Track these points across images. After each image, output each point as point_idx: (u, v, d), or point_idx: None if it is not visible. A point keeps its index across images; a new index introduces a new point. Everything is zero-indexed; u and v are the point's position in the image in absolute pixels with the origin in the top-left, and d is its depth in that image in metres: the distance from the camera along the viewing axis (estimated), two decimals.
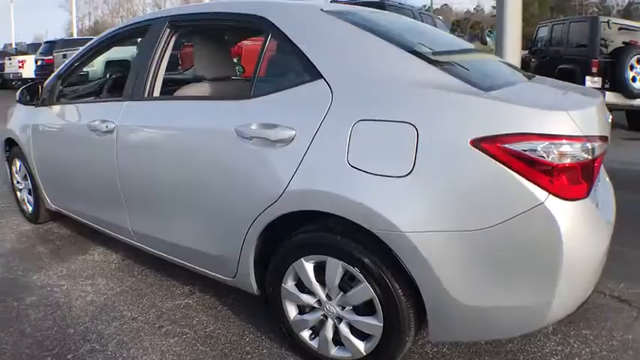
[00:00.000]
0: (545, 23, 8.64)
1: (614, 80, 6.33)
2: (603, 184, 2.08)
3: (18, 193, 3.39)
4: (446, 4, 63.86)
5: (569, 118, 1.35)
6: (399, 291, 1.50)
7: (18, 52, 18.60)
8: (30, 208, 3.28)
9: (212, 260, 1.99)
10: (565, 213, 1.32)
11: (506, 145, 1.32)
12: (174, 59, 3.93)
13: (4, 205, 3.71)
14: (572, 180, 1.35)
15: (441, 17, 10.67)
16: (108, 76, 3.16)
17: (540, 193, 1.31)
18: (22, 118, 3.06)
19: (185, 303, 2.29)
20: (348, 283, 1.61)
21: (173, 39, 2.25)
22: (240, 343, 1.96)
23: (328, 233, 1.60)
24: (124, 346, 1.95)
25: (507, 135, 1.32)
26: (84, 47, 2.77)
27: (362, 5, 8.35)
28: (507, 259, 1.36)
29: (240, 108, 1.81)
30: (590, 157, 1.37)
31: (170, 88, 2.47)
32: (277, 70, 1.91)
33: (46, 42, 16.13)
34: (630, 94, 6.30)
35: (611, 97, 6.39)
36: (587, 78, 6.40)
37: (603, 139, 1.49)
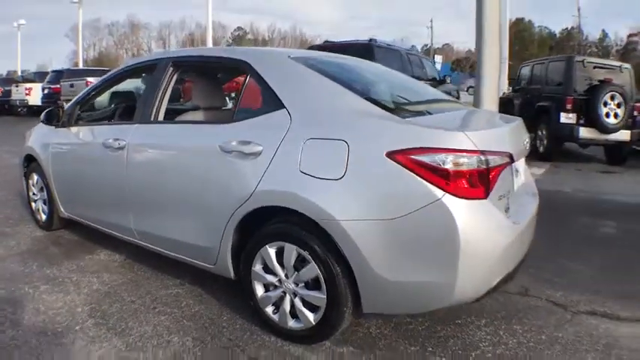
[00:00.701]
0: (527, 63, 9.24)
1: (588, 116, 6.79)
2: (528, 195, 2.51)
3: (33, 204, 3.84)
4: (447, 44, 65.86)
5: (465, 137, 1.80)
6: (338, 269, 1.91)
7: (24, 80, 19.20)
8: (44, 217, 3.72)
9: (199, 251, 2.42)
10: (460, 208, 1.74)
11: (412, 156, 1.77)
12: (177, 91, 4.45)
13: (18, 215, 4.14)
14: (467, 183, 1.78)
15: (428, 58, 11.25)
16: (114, 104, 3.68)
17: (438, 192, 1.74)
18: (42, 138, 3.56)
19: (176, 291, 2.70)
20: (300, 264, 2.03)
21: (175, 75, 2.78)
22: (219, 321, 2.36)
23: (286, 224, 2.05)
24: (124, 321, 2.35)
25: (413, 149, 1.78)
26: (101, 79, 3.31)
27: (350, 46, 8.96)
28: (416, 243, 1.79)
29: (224, 130, 2.31)
30: (484, 167, 1.80)
31: (172, 114, 2.97)
32: (252, 101, 2.42)
33: (53, 71, 16.78)
34: (605, 129, 6.75)
35: (586, 132, 6.85)
36: (562, 114, 6.88)
37: (505, 154, 1.95)
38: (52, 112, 3.38)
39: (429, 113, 2.19)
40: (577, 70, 7.01)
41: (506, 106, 9.34)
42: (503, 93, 10.25)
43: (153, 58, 2.96)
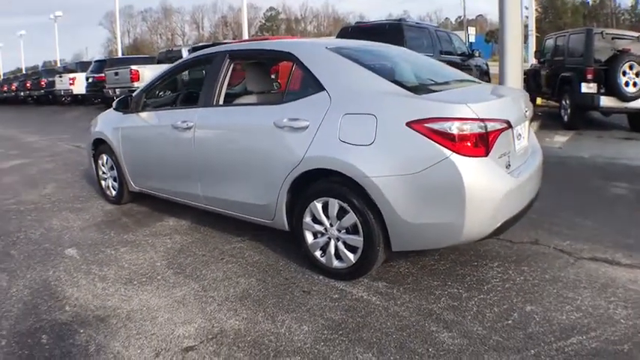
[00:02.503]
0: (551, 35, 9.33)
1: (608, 86, 6.97)
2: (532, 154, 2.93)
3: (103, 182, 4.44)
4: (481, 15, 64.18)
5: (467, 108, 2.25)
6: (371, 216, 2.40)
7: (67, 70, 20.02)
8: (114, 193, 4.33)
9: (259, 209, 2.94)
10: (464, 164, 2.20)
11: (426, 124, 2.24)
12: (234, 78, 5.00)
13: (86, 194, 4.77)
14: (469, 144, 2.23)
15: (456, 34, 11.38)
16: (177, 92, 4.19)
17: (447, 152, 2.21)
18: (112, 123, 4.14)
19: (239, 245, 3.24)
20: (341, 214, 2.52)
21: (232, 65, 3.28)
22: (276, 266, 2.89)
23: (329, 183, 2.54)
24: (197, 270, 2.91)
25: (427, 119, 2.24)
26: (164, 70, 3.84)
27: (381, 27, 9.25)
28: (431, 192, 2.26)
29: (276, 109, 2.81)
30: (483, 131, 2.25)
31: (230, 98, 3.48)
32: (298, 86, 2.91)
33: (97, 60, 17.50)
34: (624, 97, 6.91)
35: (607, 100, 7.02)
36: (583, 84, 7.06)
37: (503, 121, 2.38)
38: (123, 100, 3.94)
39: (443, 90, 2.64)
40: (596, 42, 7.14)
41: (534, 77, 9.50)
42: (531, 65, 10.36)
43: (211, 51, 3.49)
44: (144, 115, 3.81)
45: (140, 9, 70.96)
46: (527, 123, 2.90)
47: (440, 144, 2.21)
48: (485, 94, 2.81)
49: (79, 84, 17.13)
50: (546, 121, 8.39)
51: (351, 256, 2.55)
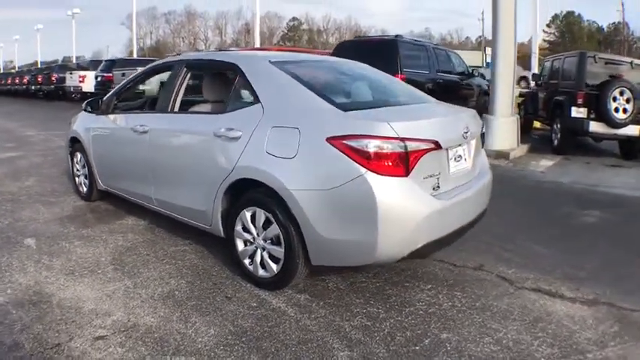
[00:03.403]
0: (548, 58, 9.27)
1: (598, 111, 6.89)
2: (476, 176, 2.90)
3: (76, 179, 4.59)
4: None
5: (388, 127, 2.25)
6: (292, 228, 2.44)
7: (79, 68, 20.34)
8: (85, 189, 4.47)
9: (199, 215, 3.02)
10: (379, 183, 2.21)
11: (344, 141, 2.26)
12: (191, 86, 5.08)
13: (64, 189, 4.91)
14: (387, 163, 2.23)
15: (456, 53, 11.33)
16: (143, 97, 4.32)
17: (361, 170, 2.22)
18: (85, 123, 4.29)
19: (183, 248, 3.32)
20: (267, 224, 2.58)
21: (188, 75, 3.39)
22: (211, 270, 2.96)
23: (256, 193, 2.60)
24: (136, 268, 2.99)
25: (345, 135, 2.27)
26: (132, 76, 3.97)
27: (376, 43, 9.32)
28: (345, 208, 2.28)
29: (217, 119, 2.90)
30: (402, 151, 2.25)
31: (187, 106, 3.58)
32: (239, 97, 2.98)
33: (107, 60, 17.78)
34: (613, 123, 6.82)
35: (596, 126, 6.94)
36: (573, 108, 6.99)
37: (429, 141, 2.37)
38: (92, 102, 4.08)
39: (377, 108, 2.66)
40: (589, 66, 7.08)
41: (532, 100, 9.43)
42: (531, 88, 10.29)
43: (171, 60, 3.62)
44: (112, 117, 3.94)
45: (164, 11, 71.89)
46: (472, 144, 2.88)
47: (356, 161, 2.23)
48: (420, 113, 2.78)
49: (88, 82, 17.38)
50: (538, 144, 8.32)
51: (274, 266, 2.60)
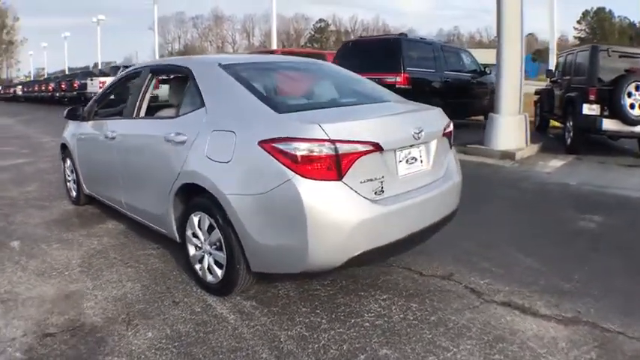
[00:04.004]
0: (562, 53, 8.84)
1: (612, 107, 6.51)
2: (434, 180, 2.73)
3: (67, 184, 4.73)
4: (531, 34, 62.23)
5: (319, 129, 2.17)
6: (232, 234, 2.40)
7: (101, 74, 20.86)
8: (74, 194, 4.59)
9: (157, 219, 3.05)
10: (307, 187, 2.12)
11: (273, 144, 2.19)
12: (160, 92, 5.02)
13: (58, 193, 5.04)
14: (316, 167, 2.14)
15: (468, 51, 11.03)
16: (117, 103, 4.40)
17: (289, 173, 2.14)
18: (72, 129, 4.42)
19: (150, 252, 3.35)
20: (211, 230, 2.55)
21: (153, 80, 3.42)
22: (169, 275, 2.97)
23: (201, 198, 2.58)
24: (101, 270, 3.05)
25: (275, 138, 2.20)
26: (109, 83, 4.05)
27: (379, 42, 9.19)
28: (276, 213, 2.22)
29: (169, 123, 2.91)
30: (333, 153, 2.16)
31: (153, 111, 3.61)
32: (190, 100, 2.94)
33: (124, 66, 18.28)
34: (628, 120, 6.41)
35: (609, 123, 6.55)
36: (585, 105, 6.62)
37: (368, 143, 2.27)
38: (72, 109, 4.19)
39: (321, 108, 2.58)
40: (601, 60, 6.69)
41: (547, 97, 9.04)
42: (546, 85, 9.88)
43: (139, 66, 3.67)
44: (91, 124, 4.04)
45: (192, 15, 73.26)
46: (432, 144, 2.74)
47: (284, 165, 2.16)
48: (364, 114, 2.64)
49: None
50: (552, 144, 7.93)
51: (219, 272, 2.58)
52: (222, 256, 2.51)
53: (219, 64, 2.84)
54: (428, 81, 8.68)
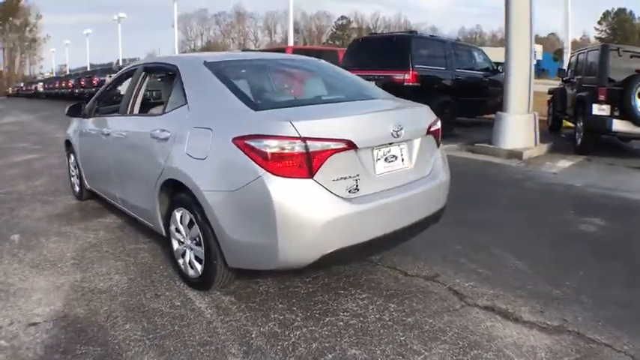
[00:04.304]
0: (574, 53, 8.65)
1: (622, 108, 6.34)
2: (429, 177, 2.74)
3: (72, 179, 4.87)
4: (553, 33, 61.04)
5: (290, 126, 2.18)
6: (209, 230, 2.44)
7: (119, 70, 21.67)
8: (77, 189, 4.73)
9: (146, 213, 3.13)
10: (276, 185, 2.14)
11: (246, 141, 2.22)
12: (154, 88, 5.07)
13: (64, 188, 5.18)
14: (286, 164, 2.16)
15: (480, 49, 10.86)
16: (116, 100, 4.48)
17: (260, 171, 2.17)
18: (75, 126, 4.55)
19: (141, 247, 3.43)
20: (191, 225, 2.60)
21: (146, 78, 3.50)
22: (156, 269, 3.04)
23: (182, 194, 2.63)
24: (92, 263, 3.14)
25: (248, 135, 2.23)
26: (109, 80, 4.14)
27: (388, 39, 9.16)
28: (247, 210, 2.25)
29: (156, 120, 2.98)
30: (303, 151, 2.17)
31: (147, 108, 3.69)
32: (175, 98, 2.99)
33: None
34: (639, 122, 6.28)
35: (620, 124, 6.38)
36: (595, 106, 6.46)
37: (341, 141, 2.27)
38: (72, 107, 4.30)
39: (300, 105, 2.60)
40: (612, 60, 6.52)
41: (560, 97, 8.88)
42: (559, 84, 9.69)
43: (135, 64, 3.76)
44: (92, 120, 4.15)
45: (214, 12, 73.60)
46: (415, 143, 2.71)
47: (256, 162, 2.19)
48: (335, 111, 2.61)
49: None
50: (562, 144, 7.77)
51: (198, 267, 2.63)
52: (201, 251, 2.56)
53: (205, 62, 2.88)
54: (438, 79, 8.62)
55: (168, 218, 2.84)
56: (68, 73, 39.62)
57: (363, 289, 2.73)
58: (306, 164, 2.19)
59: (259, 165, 2.18)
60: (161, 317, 2.43)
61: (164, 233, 2.97)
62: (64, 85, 26.44)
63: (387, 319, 2.39)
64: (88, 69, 35.82)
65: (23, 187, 5.40)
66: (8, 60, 64.51)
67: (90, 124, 4.14)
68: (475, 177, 5.79)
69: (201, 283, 2.65)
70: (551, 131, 9.32)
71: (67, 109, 4.37)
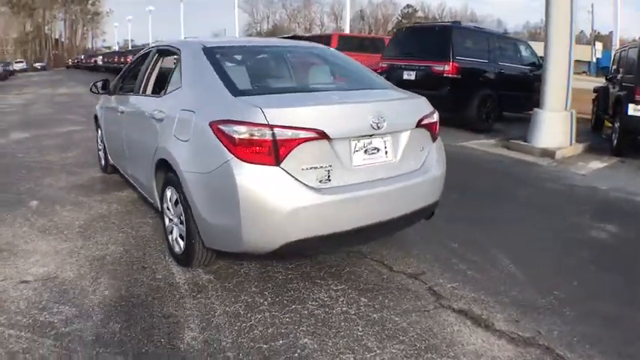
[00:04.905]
0: (617, 50, 8.05)
1: None
2: (418, 172, 2.69)
3: (99, 153, 5.18)
4: (613, 32, 56.88)
5: (260, 113, 2.21)
6: (189, 210, 2.54)
7: None
8: (103, 163, 5.03)
9: (147, 190, 3.30)
10: (242, 170, 2.19)
11: (219, 126, 2.28)
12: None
13: (92, 161, 5.49)
14: (253, 150, 2.20)
15: (526, 43, 10.32)
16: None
17: (228, 155, 2.23)
18: (101, 102, 4.83)
19: (146, 221, 3.63)
20: (176, 204, 2.72)
21: (159, 59, 3.65)
22: (152, 243, 3.21)
23: (171, 173, 2.73)
24: (96, 232, 3.38)
25: (221, 120, 2.29)
26: (130, 62, 4.35)
27: (430, 29, 9.03)
28: (217, 193, 2.32)
29: (155, 101, 3.12)
30: (270, 139, 2.19)
31: (159, 88, 3.84)
32: (174, 80, 3.08)
33: None
34: None
35: None
36: (631, 106, 6.00)
37: (311, 130, 2.26)
38: (96, 83, 4.53)
39: (283, 93, 2.66)
40: None
41: (603, 95, 8.36)
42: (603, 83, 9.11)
43: (151, 46, 3.96)
44: (114, 98, 4.38)
45: None
46: (403, 136, 2.65)
47: (225, 147, 2.25)
48: (311, 100, 2.57)
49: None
50: (600, 144, 7.27)
51: (182, 243, 2.76)
52: (183, 230, 2.69)
53: (203, 47, 2.95)
54: (480, 71, 8.37)
55: (161, 196, 2.99)
56: (130, 48, 41.30)
57: (342, 280, 2.74)
58: (274, 151, 2.22)
59: (228, 150, 2.24)
60: (139, 287, 2.59)
61: (160, 209, 3.13)
62: (122, 60, 27.74)
63: (353, 312, 2.38)
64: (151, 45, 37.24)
65: (56, 157, 5.81)
66: (70, 31, 67.75)
67: (112, 101, 4.37)
68: (500, 174, 5.61)
69: (184, 260, 2.79)
70: (594, 131, 8.79)
71: (91, 85, 4.60)
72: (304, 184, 2.29)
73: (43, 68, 52.74)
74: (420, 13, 70.73)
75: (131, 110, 3.61)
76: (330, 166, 2.38)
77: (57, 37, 68.50)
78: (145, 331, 2.19)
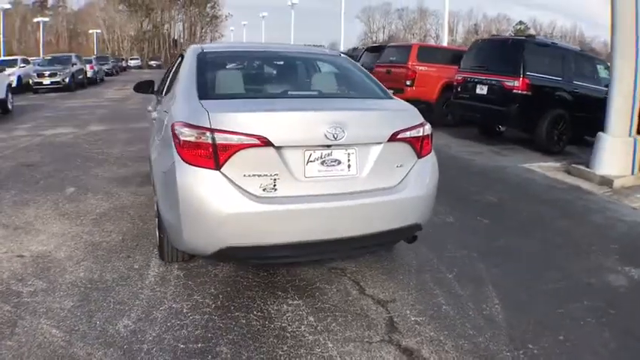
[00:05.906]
0: None
1: None
2: (397, 187, 2.56)
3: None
4: None
5: (204, 117, 2.27)
6: (157, 205, 2.73)
7: None
8: None
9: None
10: (184, 171, 2.27)
11: (175, 127, 2.38)
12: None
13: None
14: (193, 153, 2.26)
15: (606, 62, 9.29)
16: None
17: (175, 156, 2.32)
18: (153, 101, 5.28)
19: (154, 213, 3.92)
20: None
21: (178, 62, 3.92)
22: (150, 236, 3.37)
23: None
24: (108, 220, 3.73)
25: (177, 122, 2.39)
26: (169, 68, 4.74)
27: (502, 42, 8.64)
28: (167, 191, 2.42)
29: (161, 101, 3.38)
30: (209, 142, 2.23)
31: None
32: (173, 82, 3.25)
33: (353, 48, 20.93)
34: None
35: None
36: None
37: (254, 137, 2.25)
38: (138, 84, 4.79)
39: (251, 98, 2.75)
40: None
41: None
42: None
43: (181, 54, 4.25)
44: (158, 98, 4.79)
45: (398, 7, 75.10)
46: (371, 149, 2.52)
47: (175, 148, 2.35)
48: (265, 106, 2.56)
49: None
50: None
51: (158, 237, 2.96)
52: (160, 229, 2.86)
53: (200, 52, 3.09)
54: (553, 89, 7.75)
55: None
56: None
57: (303, 295, 2.68)
58: (214, 156, 2.25)
59: (176, 151, 2.34)
60: (112, 273, 2.82)
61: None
62: None
63: (290, 330, 2.31)
64: None
65: (117, 150, 6.48)
66: (188, 32, 73.69)
67: (154, 101, 4.79)
68: (545, 201, 5.08)
69: (159, 254, 2.97)
70: None
71: (135, 85, 4.99)
72: (245, 190, 2.28)
73: (159, 66, 53.72)
74: (531, 31, 67.68)
75: (151, 109, 3.98)
76: (277, 174, 2.33)
77: (175, 37, 74.89)
78: (89, 313, 2.39)
